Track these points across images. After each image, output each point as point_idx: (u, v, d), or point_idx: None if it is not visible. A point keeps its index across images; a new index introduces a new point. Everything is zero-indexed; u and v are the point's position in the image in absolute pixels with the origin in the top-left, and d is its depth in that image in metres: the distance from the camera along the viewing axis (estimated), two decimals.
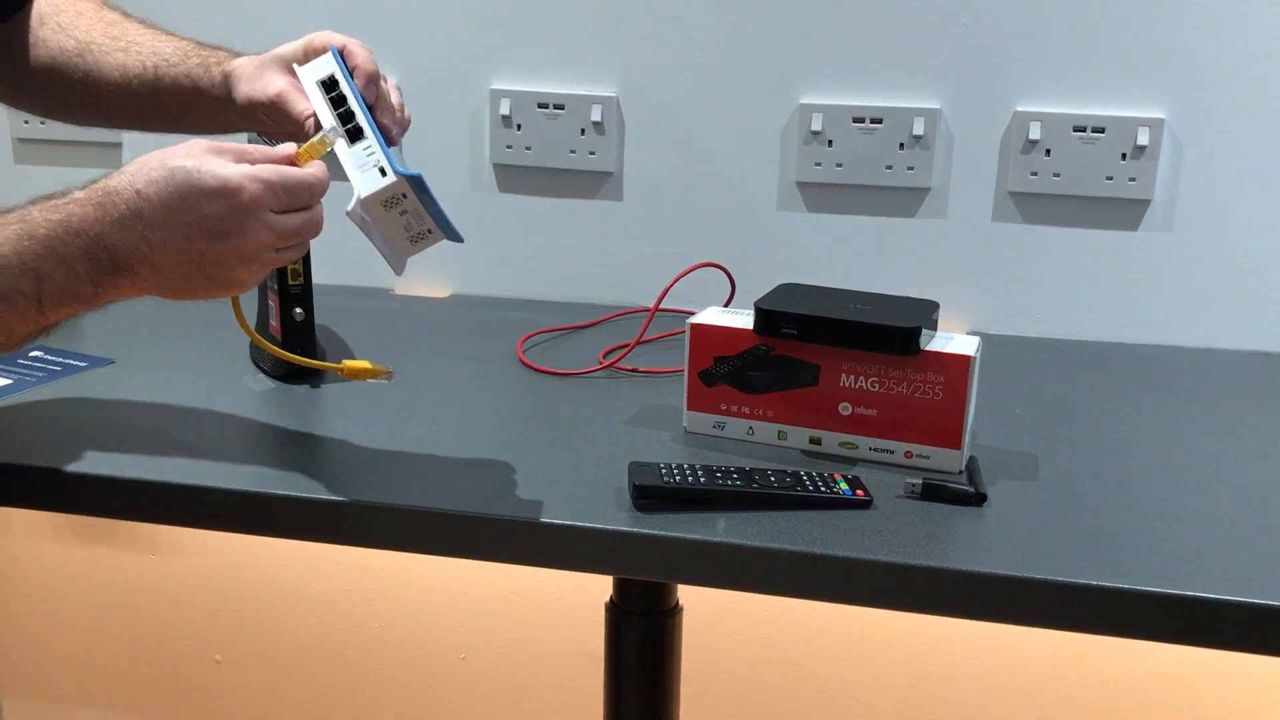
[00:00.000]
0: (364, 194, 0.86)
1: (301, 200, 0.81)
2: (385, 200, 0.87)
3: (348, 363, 0.96)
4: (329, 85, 0.91)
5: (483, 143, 1.51)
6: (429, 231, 0.89)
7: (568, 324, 1.41)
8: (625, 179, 1.49)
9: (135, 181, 0.77)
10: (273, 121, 0.94)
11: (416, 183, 0.87)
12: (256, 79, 0.93)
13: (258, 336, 0.95)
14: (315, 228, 0.83)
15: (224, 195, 0.77)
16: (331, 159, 0.87)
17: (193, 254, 0.77)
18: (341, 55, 0.92)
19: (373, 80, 0.92)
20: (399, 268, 0.91)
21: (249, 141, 0.89)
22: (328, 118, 0.89)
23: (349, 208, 0.87)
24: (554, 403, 1.15)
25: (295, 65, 0.92)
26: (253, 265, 0.80)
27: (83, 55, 0.99)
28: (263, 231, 0.78)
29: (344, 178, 0.88)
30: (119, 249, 0.76)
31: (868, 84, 1.41)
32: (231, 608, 1.75)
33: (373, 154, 0.87)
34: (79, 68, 0.99)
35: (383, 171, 0.87)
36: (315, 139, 0.86)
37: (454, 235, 0.90)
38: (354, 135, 0.89)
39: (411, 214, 0.88)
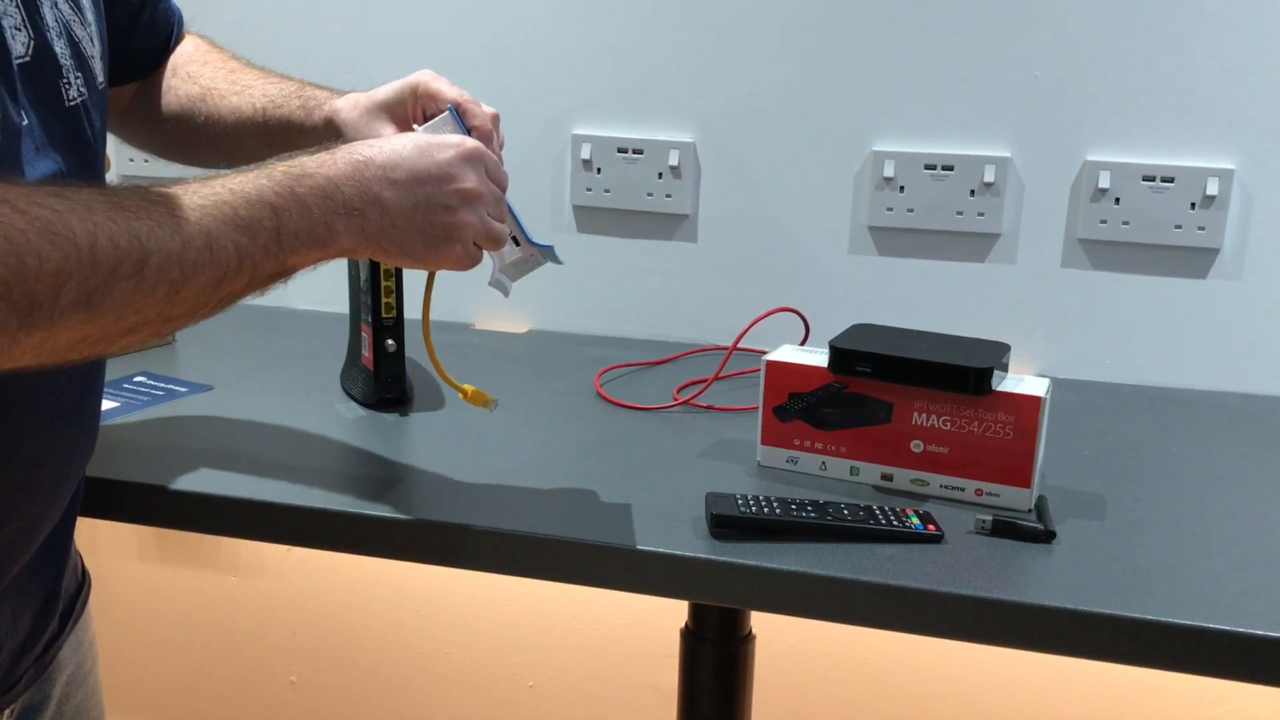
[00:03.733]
0: (501, 263, 0.96)
1: (500, 175, 0.90)
2: (515, 262, 0.97)
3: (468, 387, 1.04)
4: None
5: (564, 185, 1.57)
6: (536, 267, 0.98)
7: (643, 360, 1.45)
8: (700, 221, 1.54)
9: (369, 140, 0.86)
10: None
11: (548, 251, 0.96)
12: (365, 129, 0.97)
13: (432, 350, 1.01)
14: (502, 205, 0.91)
15: (453, 145, 0.87)
16: None
17: (419, 198, 0.84)
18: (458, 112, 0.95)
19: (490, 139, 0.95)
20: (506, 292, 0.99)
21: None
22: None
23: (490, 280, 0.96)
24: (631, 435, 1.19)
25: (415, 125, 0.96)
26: (470, 214, 0.86)
27: (204, 100, 1.04)
28: (482, 181, 0.87)
29: None
30: (350, 190, 0.82)
31: (940, 132, 1.44)
32: (308, 631, 1.80)
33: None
34: (201, 112, 1.05)
35: (515, 241, 0.96)
36: None
37: (556, 260, 0.98)
38: None
39: (530, 263, 0.97)
